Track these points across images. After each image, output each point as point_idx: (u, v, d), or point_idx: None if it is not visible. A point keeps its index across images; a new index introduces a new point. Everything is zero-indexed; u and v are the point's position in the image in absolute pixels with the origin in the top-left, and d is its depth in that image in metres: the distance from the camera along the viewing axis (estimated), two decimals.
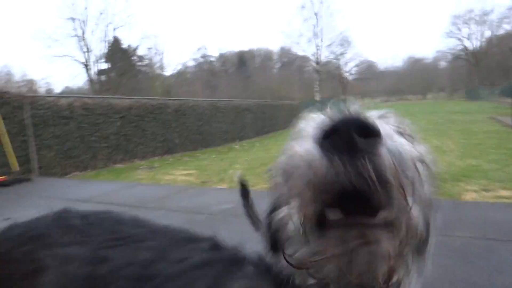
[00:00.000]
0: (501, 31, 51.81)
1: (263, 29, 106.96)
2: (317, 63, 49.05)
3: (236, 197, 5.12)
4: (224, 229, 4.22)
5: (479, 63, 54.28)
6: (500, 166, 6.67)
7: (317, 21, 48.07)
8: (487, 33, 54.40)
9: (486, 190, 5.23)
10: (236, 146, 14.34)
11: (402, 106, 43.94)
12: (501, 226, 3.73)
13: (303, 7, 48.00)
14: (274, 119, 21.39)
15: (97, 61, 39.37)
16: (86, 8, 36.44)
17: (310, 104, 33.09)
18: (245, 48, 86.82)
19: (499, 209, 4.39)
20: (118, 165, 10.32)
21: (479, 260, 3.08)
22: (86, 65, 38.37)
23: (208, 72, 63.62)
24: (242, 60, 64.99)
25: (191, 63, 64.11)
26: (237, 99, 22.28)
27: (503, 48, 47.38)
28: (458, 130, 13.85)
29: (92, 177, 8.83)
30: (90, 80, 39.36)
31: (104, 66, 41.47)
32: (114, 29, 39.37)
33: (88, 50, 38.01)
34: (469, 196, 5.04)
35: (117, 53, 40.94)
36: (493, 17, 52.45)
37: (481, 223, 3.95)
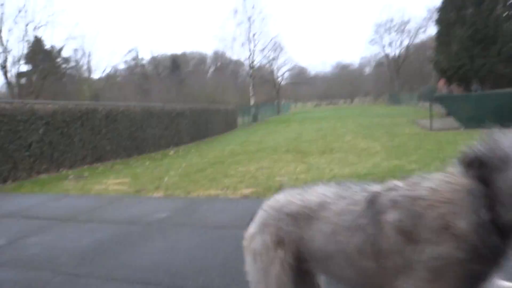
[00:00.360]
0: (417, 40, 56.67)
1: (196, 32, 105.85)
2: (251, 67, 49.68)
3: (172, 205, 5.09)
4: (160, 238, 4.13)
5: (399, 69, 58.85)
6: (420, 166, 7.26)
7: (250, 26, 48.72)
8: (406, 42, 59.23)
9: None
10: (171, 152, 14.06)
11: (331, 110, 46.11)
12: None
13: (236, 11, 48.41)
14: (210, 124, 21.30)
15: (16, 62, 36.25)
16: (2, 4, 33.46)
17: (246, 109, 33.46)
18: (178, 51, 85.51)
19: None
20: (43, 176, 9.62)
21: None
22: (3, 67, 35.19)
23: (140, 75, 61.58)
24: (176, 63, 63.81)
25: (121, 66, 61.62)
26: (171, 103, 21.84)
27: (420, 55, 51.67)
28: (383, 132, 14.83)
29: (13, 190, 8.12)
30: (8, 83, 36.12)
31: (25, 68, 38.34)
32: (35, 28, 36.61)
33: (6, 50, 34.91)
34: None
35: (39, 54, 38.08)
36: (411, 26, 57.27)
37: None
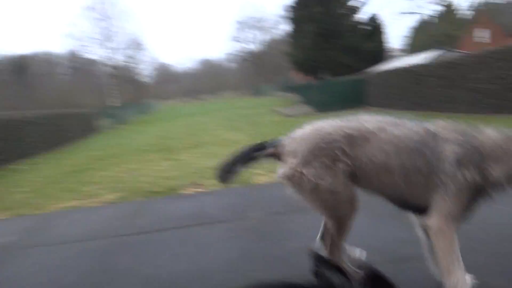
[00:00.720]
0: (275, 35, 60.84)
1: (45, 31, 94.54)
2: (112, 67, 46.71)
3: (21, 225, 4.48)
4: (6, 267, 3.57)
5: (261, 63, 62.40)
6: None
7: (108, 24, 45.62)
8: (264, 37, 63.16)
9: (273, 172, 6.03)
10: (20, 167, 12.34)
11: (199, 106, 46.49)
12: (285, 201, 4.30)
13: (91, 8, 44.68)
14: (67, 130, 19.35)
15: None
16: None
17: (108, 110, 31.37)
18: (25, 52, 75.35)
19: (283, 186, 5.10)
20: None
21: (272, 234, 3.51)
22: None
23: None
24: (22, 66, 56.10)
25: None
26: (18, 111, 19.14)
27: (277, 49, 55.46)
28: (247, 123, 15.52)
29: None
30: None
31: None
32: None
33: None
34: (259, 179, 5.68)
35: None
36: (268, 23, 61.24)
37: (270, 201, 4.51)
